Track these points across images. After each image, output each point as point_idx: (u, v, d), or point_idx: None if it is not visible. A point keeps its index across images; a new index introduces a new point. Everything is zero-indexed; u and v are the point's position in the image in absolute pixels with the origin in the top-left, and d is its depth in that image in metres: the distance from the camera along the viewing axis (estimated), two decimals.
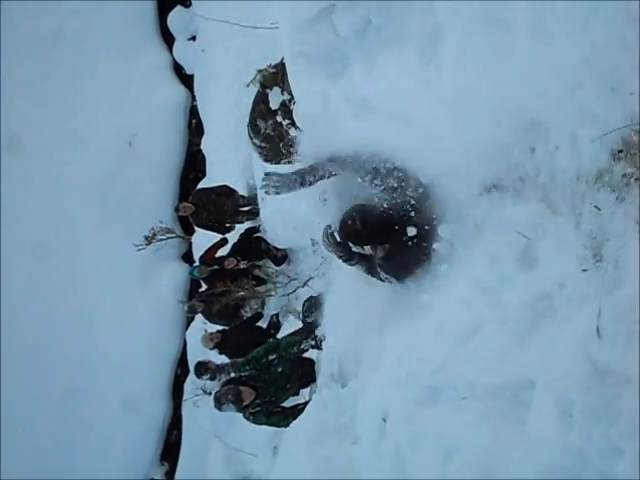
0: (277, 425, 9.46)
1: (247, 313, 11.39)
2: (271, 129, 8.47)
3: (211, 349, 11.24)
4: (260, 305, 11.48)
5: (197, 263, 11.71)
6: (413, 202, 6.97)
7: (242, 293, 10.82)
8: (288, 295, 10.94)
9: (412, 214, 6.98)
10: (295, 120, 8.08)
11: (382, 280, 7.37)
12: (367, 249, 7.42)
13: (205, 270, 11.24)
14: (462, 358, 5.98)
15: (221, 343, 11.13)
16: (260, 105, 8.42)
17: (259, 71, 8.23)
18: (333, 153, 7.39)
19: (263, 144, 8.65)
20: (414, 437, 6.14)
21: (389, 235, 7.04)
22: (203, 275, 11.31)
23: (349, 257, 7.29)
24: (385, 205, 7.05)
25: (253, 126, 8.64)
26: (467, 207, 6.76)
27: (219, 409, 9.02)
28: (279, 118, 8.23)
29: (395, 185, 6.98)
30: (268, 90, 8.16)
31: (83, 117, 16.21)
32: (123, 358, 15.25)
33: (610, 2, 4.94)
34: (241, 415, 9.35)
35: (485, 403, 5.60)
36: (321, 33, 6.99)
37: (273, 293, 11.11)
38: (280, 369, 9.08)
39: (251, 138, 8.73)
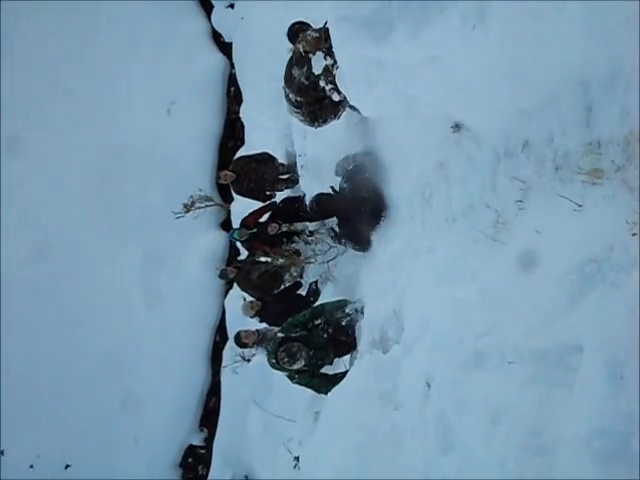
0: (317, 389, 9.48)
1: (287, 281, 11.37)
2: (304, 77, 8.47)
3: (252, 317, 11.25)
4: (299, 273, 11.46)
5: (238, 226, 11.64)
6: None
7: (282, 260, 10.80)
8: (327, 262, 10.90)
9: None
10: (338, 85, 8.06)
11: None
12: None
13: (245, 233, 11.20)
14: (508, 322, 5.95)
15: (262, 311, 11.14)
16: (296, 54, 8.42)
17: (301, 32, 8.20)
18: None
19: (298, 98, 8.66)
20: (459, 402, 6.13)
21: None
22: (243, 238, 11.27)
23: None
24: None
25: (288, 79, 8.65)
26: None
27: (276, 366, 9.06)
28: (322, 83, 8.22)
29: None
30: (311, 54, 8.14)
31: (123, 85, 16.24)
32: (163, 325, 15.34)
33: None
34: (285, 375, 9.41)
35: (532, 367, 5.57)
36: None
37: (312, 260, 11.07)
38: (325, 334, 9.09)
39: (287, 95, 8.74)
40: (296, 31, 8.62)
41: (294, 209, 11.29)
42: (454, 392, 6.21)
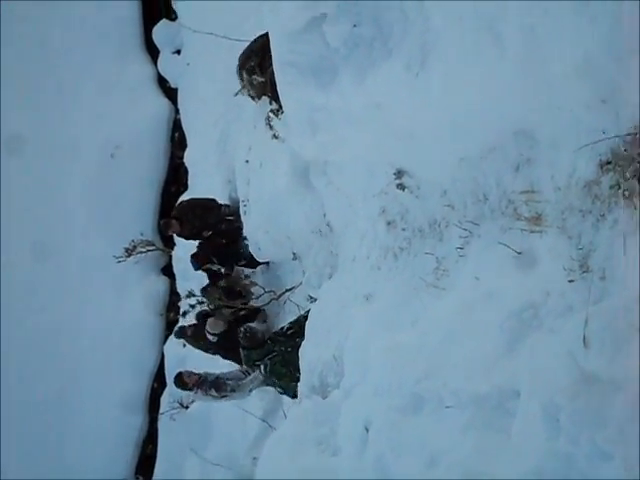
0: (286, 388, 9.68)
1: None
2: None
3: (214, 335, 11.07)
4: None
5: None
6: None
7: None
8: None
9: None
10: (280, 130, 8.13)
11: None
12: None
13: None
14: (447, 366, 5.99)
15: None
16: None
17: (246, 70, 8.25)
18: None
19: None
20: (397, 445, 6.13)
21: None
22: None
23: None
24: None
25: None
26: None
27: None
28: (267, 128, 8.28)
29: None
30: (257, 100, 8.20)
31: (71, 124, 16.08)
32: (101, 370, 15.11)
33: (603, 14, 4.98)
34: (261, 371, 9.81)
35: (469, 412, 5.62)
36: (311, 43, 7.02)
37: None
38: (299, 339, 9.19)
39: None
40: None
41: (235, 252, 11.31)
42: (392, 436, 6.20)
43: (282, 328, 10.15)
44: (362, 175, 8.04)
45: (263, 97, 8.25)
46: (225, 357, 11.17)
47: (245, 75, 8.57)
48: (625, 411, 4.14)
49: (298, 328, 9.48)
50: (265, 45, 8.09)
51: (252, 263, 11.43)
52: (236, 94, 8.59)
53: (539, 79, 5.47)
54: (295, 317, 10.14)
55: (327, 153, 8.03)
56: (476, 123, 6.26)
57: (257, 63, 8.60)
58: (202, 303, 11.53)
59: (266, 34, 8.10)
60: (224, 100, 11.96)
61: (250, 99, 8.80)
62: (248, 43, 9.35)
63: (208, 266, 11.28)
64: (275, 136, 9.01)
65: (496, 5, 5.59)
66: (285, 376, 9.55)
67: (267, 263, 11.41)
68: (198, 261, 11.41)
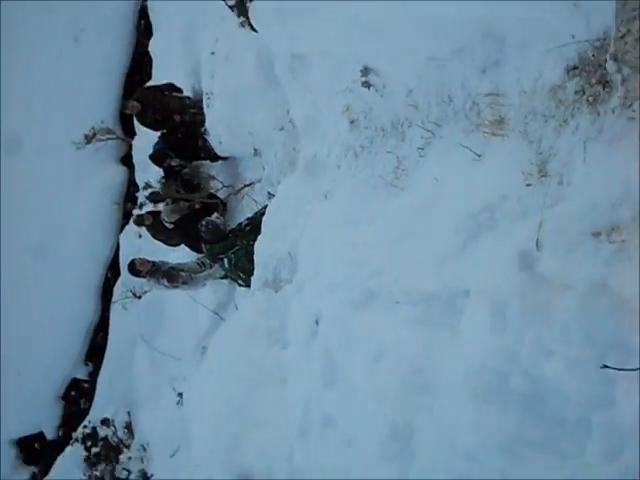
0: (242, 277, 9.78)
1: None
2: None
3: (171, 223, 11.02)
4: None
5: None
6: None
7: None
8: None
9: None
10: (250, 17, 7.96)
11: None
12: None
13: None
14: (400, 263, 6.02)
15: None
16: None
17: None
18: None
19: None
20: (345, 339, 6.20)
21: None
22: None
23: None
24: None
25: None
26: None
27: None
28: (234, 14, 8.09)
29: None
30: None
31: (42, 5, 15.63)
32: (56, 256, 15.02)
33: None
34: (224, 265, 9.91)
35: (419, 308, 5.67)
36: None
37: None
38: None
39: None
40: None
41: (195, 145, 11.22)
42: (341, 330, 6.27)
43: (240, 224, 10.13)
44: (328, 71, 7.94)
45: None
46: (187, 244, 11.15)
47: None
48: (570, 311, 4.18)
49: (255, 224, 9.46)
50: None
51: (212, 157, 11.34)
52: None
53: None
54: (252, 213, 10.12)
55: (294, 45, 7.91)
56: (446, 22, 6.19)
57: None
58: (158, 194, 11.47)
59: None
60: None
61: None
62: None
63: (168, 162, 11.18)
64: (242, 24, 8.86)
65: None
66: (251, 270, 9.54)
67: (227, 158, 11.30)
68: (157, 160, 11.31)
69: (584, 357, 4.09)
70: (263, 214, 9.26)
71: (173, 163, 11.17)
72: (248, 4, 7.99)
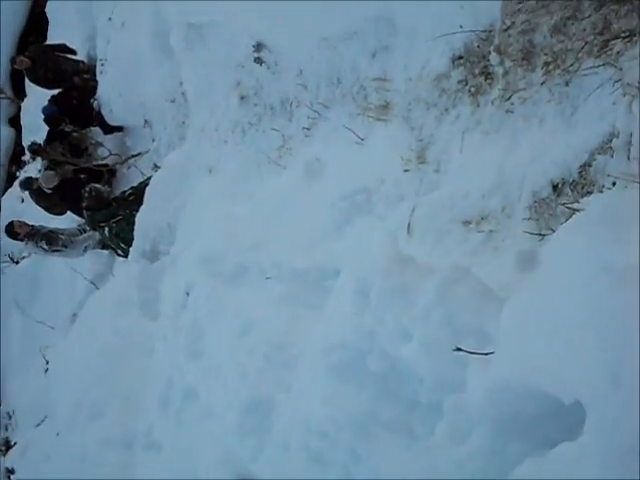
0: (122, 246, 9.59)
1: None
2: None
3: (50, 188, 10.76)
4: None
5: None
6: None
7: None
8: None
9: None
10: None
11: None
12: None
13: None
14: (274, 240, 6.00)
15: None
16: None
17: None
18: None
19: None
20: (214, 312, 6.16)
21: None
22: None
23: None
24: None
25: None
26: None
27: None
28: None
29: None
30: None
31: None
32: None
33: None
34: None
35: (288, 285, 5.67)
36: None
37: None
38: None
39: None
40: None
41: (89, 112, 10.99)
42: (210, 302, 6.22)
43: (123, 192, 9.98)
44: (222, 45, 7.86)
45: None
46: (69, 209, 10.93)
47: None
48: (431, 294, 4.19)
49: (139, 194, 9.33)
50: None
51: (105, 128, 11.14)
52: None
53: None
54: (137, 183, 9.98)
55: (191, 15, 7.81)
56: (341, 3, 6.17)
57: None
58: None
59: None
60: None
61: None
62: None
63: (62, 126, 10.94)
64: None
65: None
66: (131, 241, 9.41)
67: (119, 127, 11.11)
68: (52, 123, 11.03)
69: (440, 340, 4.10)
70: (147, 185, 9.13)
71: (67, 129, 10.93)
72: None
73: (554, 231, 4.23)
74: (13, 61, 11.46)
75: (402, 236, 5.08)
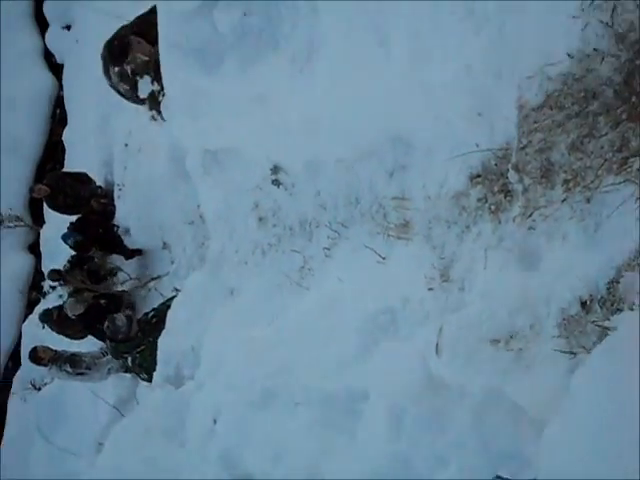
0: (146, 374, 9.44)
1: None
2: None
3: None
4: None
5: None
6: None
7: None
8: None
9: None
10: (162, 111, 7.98)
11: None
12: None
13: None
14: (300, 364, 5.95)
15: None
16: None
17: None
18: None
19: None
20: (243, 439, 6.09)
21: None
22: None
23: None
24: None
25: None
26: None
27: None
28: (146, 107, 8.11)
29: None
30: (138, 77, 8.02)
31: None
32: None
33: (489, 30, 5.01)
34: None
35: (318, 410, 5.60)
36: (200, 27, 6.92)
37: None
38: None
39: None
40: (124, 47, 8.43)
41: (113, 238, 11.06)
42: (239, 429, 6.16)
43: (146, 314, 9.98)
44: (239, 168, 7.95)
45: (145, 76, 8.07)
46: (92, 334, 10.92)
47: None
48: (466, 419, 4.15)
49: (161, 317, 9.34)
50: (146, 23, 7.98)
51: (125, 251, 11.20)
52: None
53: (420, 85, 5.47)
54: (158, 304, 9.98)
55: (206, 141, 7.91)
56: (356, 125, 6.24)
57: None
58: (62, 285, 11.25)
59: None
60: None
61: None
62: None
63: (91, 253, 11.01)
64: (154, 118, 8.85)
65: (385, 7, 5.56)
66: (154, 367, 9.37)
67: (139, 250, 11.17)
68: (82, 249, 11.08)
69: (478, 466, 4.04)
70: (169, 307, 9.14)
71: (94, 255, 11.01)
72: (160, 98, 7.96)
73: (585, 349, 4.20)
74: (32, 190, 11.58)
75: (431, 356, 5.02)
